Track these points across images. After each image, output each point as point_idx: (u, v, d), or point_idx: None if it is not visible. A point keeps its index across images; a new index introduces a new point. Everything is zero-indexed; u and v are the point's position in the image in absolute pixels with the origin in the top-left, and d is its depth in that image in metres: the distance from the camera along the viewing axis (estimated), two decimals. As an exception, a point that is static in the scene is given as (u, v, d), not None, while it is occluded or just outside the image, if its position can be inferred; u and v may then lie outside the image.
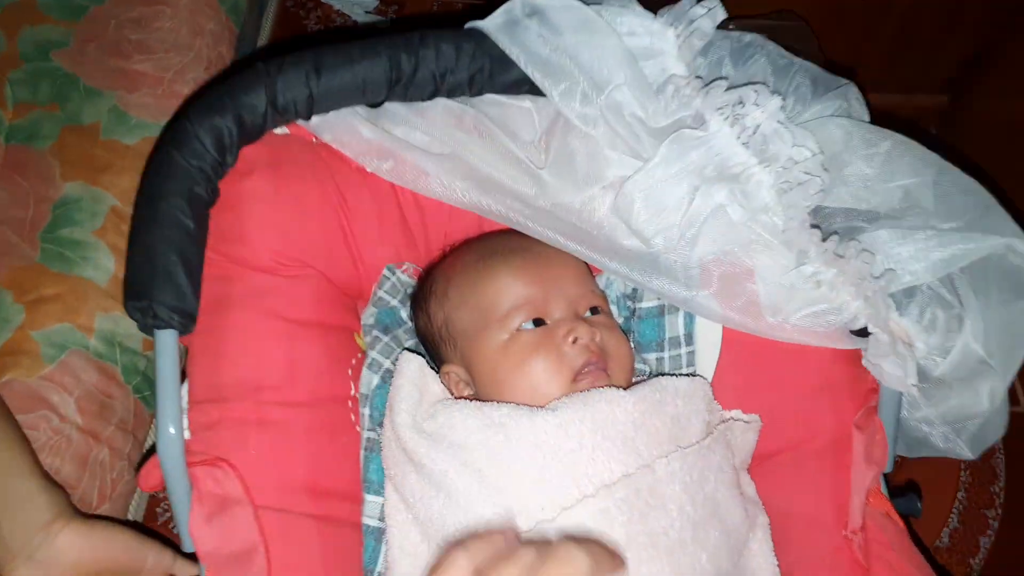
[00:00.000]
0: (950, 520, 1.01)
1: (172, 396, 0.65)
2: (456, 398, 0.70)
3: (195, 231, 0.67)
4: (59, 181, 0.96)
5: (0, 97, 1.01)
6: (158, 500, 1.06)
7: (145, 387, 0.94)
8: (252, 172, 0.71)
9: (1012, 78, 1.32)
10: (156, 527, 1.05)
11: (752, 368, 0.74)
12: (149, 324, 0.65)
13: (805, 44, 1.21)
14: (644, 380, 0.70)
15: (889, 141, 0.67)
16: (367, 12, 1.61)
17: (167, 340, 0.65)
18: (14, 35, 1.05)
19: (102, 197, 0.96)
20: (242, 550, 0.62)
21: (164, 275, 0.65)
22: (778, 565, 0.68)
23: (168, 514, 1.05)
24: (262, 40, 1.45)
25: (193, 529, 0.63)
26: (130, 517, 0.96)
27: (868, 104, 0.71)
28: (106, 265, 0.94)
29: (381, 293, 0.78)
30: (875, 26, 1.33)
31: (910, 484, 1.01)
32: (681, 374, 0.74)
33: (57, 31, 1.06)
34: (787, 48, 1.16)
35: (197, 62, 1.09)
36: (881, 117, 0.70)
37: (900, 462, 1.00)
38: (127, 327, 0.92)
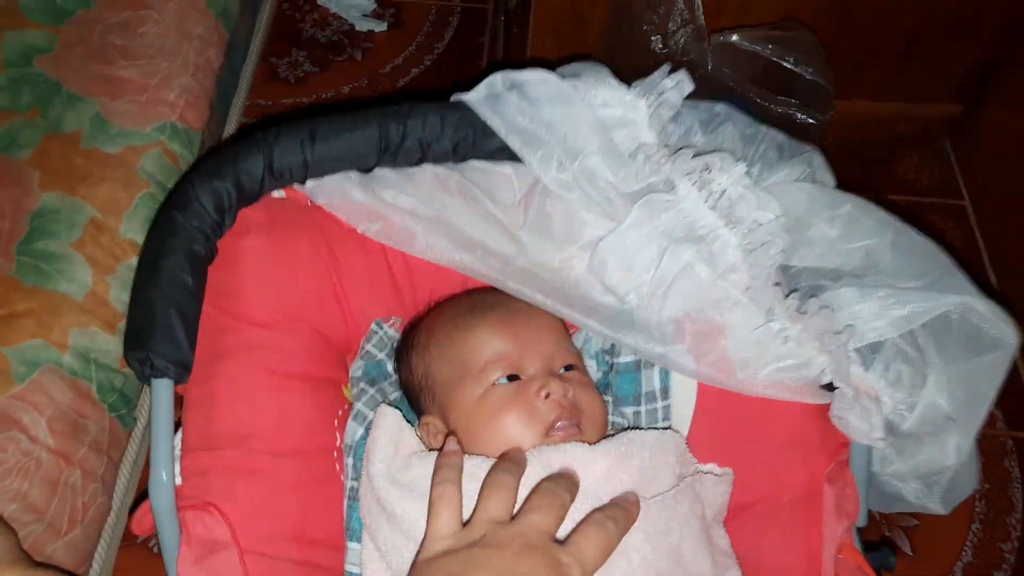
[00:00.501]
0: (963, 554, 0.99)
1: (166, 443, 0.68)
2: (432, 449, 0.72)
3: (193, 287, 0.71)
4: (37, 191, 0.94)
5: None
6: None
7: (122, 405, 0.92)
8: (249, 232, 0.76)
9: (1024, 88, 1.29)
10: (134, 546, 1.05)
11: (726, 422, 0.76)
12: (147, 374, 0.69)
13: (811, 53, 1.19)
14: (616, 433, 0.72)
15: (850, 204, 0.70)
16: (364, 15, 1.64)
17: (163, 389, 0.69)
18: None
19: (81, 208, 0.94)
20: (227, 594, 0.65)
21: (162, 328, 0.68)
22: (751, 618, 0.68)
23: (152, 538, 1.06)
24: (256, 44, 1.47)
25: (181, 571, 0.65)
26: (104, 540, 0.94)
27: (832, 169, 0.74)
28: (83, 279, 0.91)
29: (369, 347, 0.81)
30: (884, 34, 1.30)
31: (884, 539, 1.01)
32: (656, 427, 0.76)
33: (41, 36, 1.04)
34: (792, 62, 1.17)
35: (184, 68, 1.07)
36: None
37: None
38: (103, 344, 0.91)
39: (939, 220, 1.36)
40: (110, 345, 0.91)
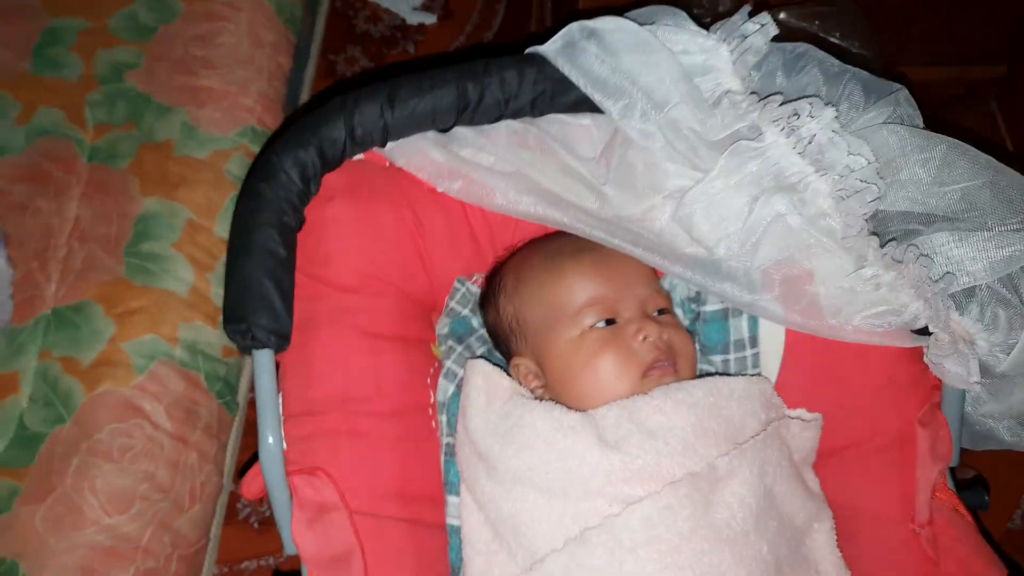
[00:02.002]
0: (1015, 515, 1.01)
1: (272, 410, 0.70)
2: (526, 389, 0.74)
3: (286, 257, 0.72)
4: (139, 197, 1.01)
5: (80, 120, 1.06)
6: (237, 497, 1.13)
7: (227, 392, 0.99)
8: (333, 198, 0.76)
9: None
10: (237, 522, 1.11)
11: (816, 368, 0.76)
12: (248, 345, 0.70)
13: (857, 28, 1.19)
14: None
15: (944, 145, 0.69)
16: (414, 9, 1.65)
17: (265, 359, 0.71)
18: (91, 59, 1.10)
19: (179, 211, 1.00)
20: (341, 553, 0.68)
21: (260, 300, 0.70)
22: (842, 557, 0.70)
23: (247, 510, 1.11)
24: (315, 44, 1.49)
25: (296, 535, 0.68)
26: (217, 515, 1.01)
27: (921, 107, 0.73)
28: (185, 277, 0.97)
29: (453, 304, 0.82)
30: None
31: (977, 478, 1.02)
32: (745, 375, 0.77)
33: (130, 52, 1.10)
34: (838, 37, 1.16)
35: (259, 74, 1.13)
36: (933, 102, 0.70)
37: (967, 454, 1.02)
38: (208, 336, 0.97)
39: None
40: (213, 337, 0.98)
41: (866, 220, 0.68)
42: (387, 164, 0.79)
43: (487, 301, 0.81)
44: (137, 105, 1.06)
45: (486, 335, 0.83)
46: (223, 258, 1.00)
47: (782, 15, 1.18)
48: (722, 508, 0.64)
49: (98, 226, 0.98)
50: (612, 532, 0.63)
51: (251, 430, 1.13)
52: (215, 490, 0.97)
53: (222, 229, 1.02)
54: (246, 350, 0.71)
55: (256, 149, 1.08)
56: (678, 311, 0.83)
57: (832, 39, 1.16)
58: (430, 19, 1.64)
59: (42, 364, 0.90)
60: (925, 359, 0.71)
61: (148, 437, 0.89)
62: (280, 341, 0.71)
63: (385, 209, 0.78)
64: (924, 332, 0.70)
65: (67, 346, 0.91)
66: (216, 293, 1.00)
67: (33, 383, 0.89)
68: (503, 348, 0.80)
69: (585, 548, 0.63)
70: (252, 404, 1.16)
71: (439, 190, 0.79)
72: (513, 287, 0.78)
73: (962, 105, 1.45)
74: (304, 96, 1.39)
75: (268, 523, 1.12)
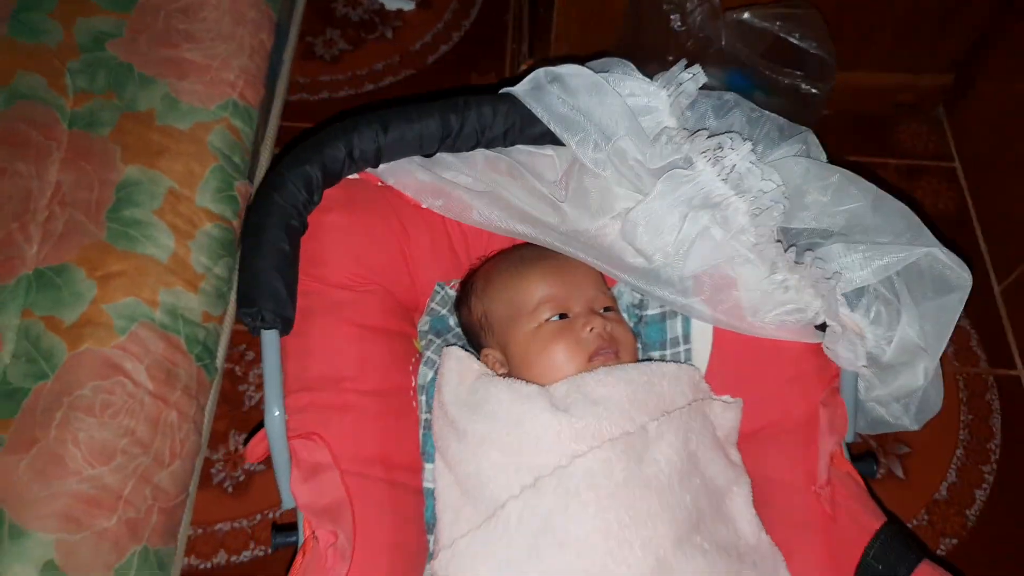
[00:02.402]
0: (948, 474, 1.13)
1: (275, 384, 0.82)
2: (494, 373, 0.86)
3: (291, 254, 0.85)
4: (120, 165, 1.03)
5: (61, 86, 1.07)
6: (211, 462, 1.18)
7: (206, 356, 1.03)
8: (332, 209, 0.89)
9: (1017, 58, 1.36)
10: (211, 486, 1.16)
11: (739, 361, 0.90)
12: (258, 326, 0.82)
13: (816, 29, 1.27)
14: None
15: (838, 174, 0.84)
16: None
17: (272, 339, 0.82)
18: (70, 26, 1.11)
19: (160, 180, 1.03)
20: (332, 504, 0.79)
21: (269, 288, 0.82)
22: (758, 517, 0.82)
23: (222, 475, 1.16)
24: (294, 25, 1.54)
25: (293, 488, 0.79)
26: (195, 474, 1.05)
27: (823, 148, 0.88)
28: (166, 243, 1.01)
29: (433, 305, 0.95)
30: (883, 10, 1.37)
31: (868, 452, 1.16)
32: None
33: (110, 22, 1.12)
34: (797, 38, 1.27)
35: (240, 50, 1.16)
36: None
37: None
38: (187, 301, 1.01)
39: (933, 182, 1.48)
40: (193, 303, 1.02)
41: (775, 232, 0.83)
42: (379, 183, 0.93)
43: (461, 302, 0.94)
44: (118, 74, 1.08)
45: (461, 333, 0.96)
46: (204, 227, 1.05)
47: (745, 15, 1.26)
48: (651, 464, 0.77)
49: (79, 191, 1.00)
50: (560, 480, 0.75)
51: (225, 400, 1.23)
52: (194, 448, 1.00)
53: (202, 199, 1.06)
54: (256, 331, 0.83)
55: (237, 123, 1.12)
56: (624, 315, 0.97)
57: (792, 39, 1.22)
58: (408, 5, 1.70)
59: (24, 323, 0.93)
60: (824, 348, 0.85)
61: (129, 394, 0.92)
62: (285, 324, 0.83)
63: (376, 220, 0.91)
64: (823, 328, 0.85)
65: (49, 306, 0.94)
66: (196, 260, 1.04)
67: (16, 340, 0.92)
68: (474, 342, 0.93)
69: (538, 494, 0.75)
70: (227, 375, 1.25)
71: (424, 206, 0.93)
72: (483, 289, 0.91)
73: (913, 111, 1.55)
74: (283, 75, 1.44)
75: (241, 488, 1.16)
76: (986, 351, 1.28)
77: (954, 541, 1.11)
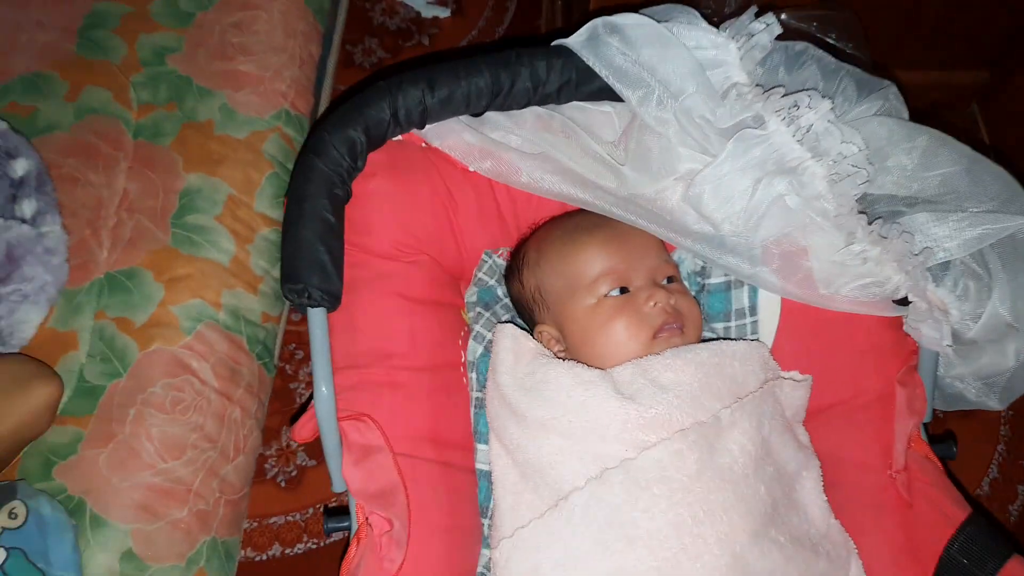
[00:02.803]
0: (990, 471, 1.11)
1: (325, 363, 0.78)
2: (549, 352, 0.82)
3: (336, 225, 0.80)
4: (182, 173, 1.08)
5: (126, 99, 1.12)
6: (265, 458, 1.21)
7: (265, 355, 1.07)
8: (376, 174, 0.84)
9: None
10: (264, 481, 1.20)
11: (808, 335, 0.85)
12: (304, 303, 0.78)
13: (852, 32, 1.26)
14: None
15: (926, 136, 0.77)
16: (428, 3, 1.72)
17: (319, 317, 0.78)
18: (133, 42, 1.16)
19: (220, 187, 1.08)
20: (385, 488, 0.76)
21: (315, 263, 0.77)
22: (828, 502, 0.79)
23: (275, 470, 1.19)
24: (337, 34, 1.55)
25: (345, 472, 0.76)
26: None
27: (907, 103, 0.81)
28: (228, 247, 1.05)
29: (480, 274, 0.90)
30: (918, 8, 1.37)
31: (947, 433, 1.12)
32: (746, 340, 0.85)
33: (170, 38, 1.17)
34: (834, 39, 1.24)
35: (292, 61, 1.20)
36: (919, 104, 0.78)
37: (944, 419, 1.11)
38: (248, 302, 1.06)
39: None
40: (254, 304, 1.06)
41: (856, 201, 0.77)
42: (423, 144, 0.87)
43: (511, 275, 0.89)
44: (178, 87, 1.13)
45: (510, 303, 0.92)
46: (262, 231, 1.09)
47: (783, 16, 1.25)
48: (725, 454, 0.73)
49: (145, 199, 1.05)
50: (629, 472, 0.71)
51: (276, 397, 1.23)
52: (256, 444, 1.05)
53: (260, 205, 1.10)
54: (302, 308, 0.79)
55: (290, 131, 1.15)
56: (684, 283, 0.92)
57: (829, 40, 1.23)
58: (444, 13, 1.71)
59: (98, 324, 0.98)
60: (904, 326, 0.79)
61: (197, 392, 0.97)
62: (332, 301, 0.79)
63: (422, 185, 0.86)
64: (903, 302, 0.79)
65: (121, 308, 0.99)
66: (255, 263, 1.08)
67: (91, 341, 0.97)
68: (527, 317, 0.89)
69: (604, 486, 0.71)
70: (278, 373, 1.26)
71: (470, 169, 0.87)
72: (535, 261, 0.86)
73: (947, 108, 1.53)
74: (327, 83, 1.46)
75: (293, 482, 1.20)
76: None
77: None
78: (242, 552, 1.14)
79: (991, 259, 0.75)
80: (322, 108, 1.42)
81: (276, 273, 1.10)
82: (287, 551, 1.14)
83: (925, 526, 0.74)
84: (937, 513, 0.74)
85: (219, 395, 0.99)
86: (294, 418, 0.85)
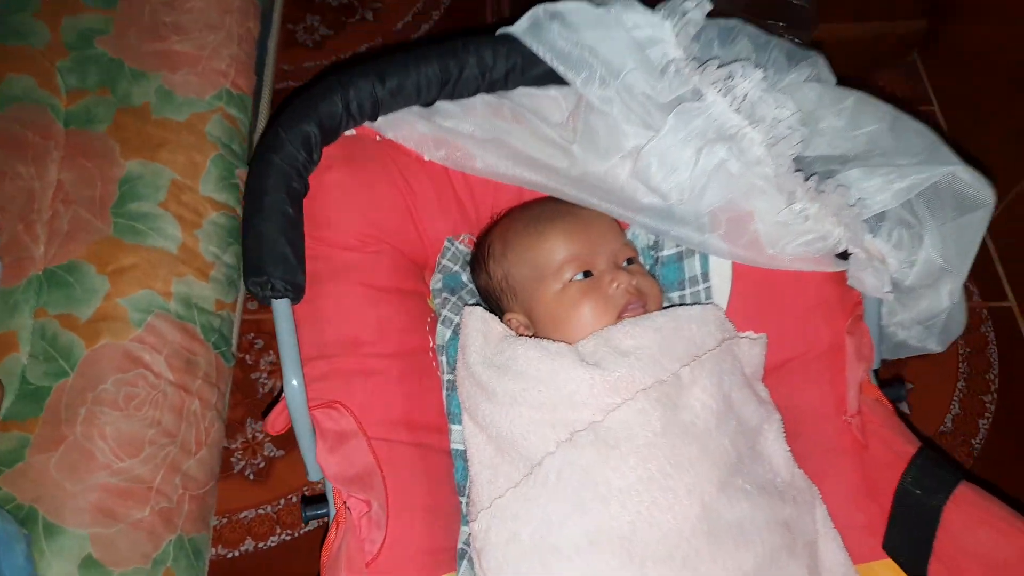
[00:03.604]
0: (952, 407, 1.16)
1: (293, 354, 0.79)
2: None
3: (296, 218, 0.81)
4: (120, 160, 1.04)
5: (52, 86, 1.07)
6: (231, 451, 1.19)
7: (222, 343, 1.04)
8: (332, 167, 0.85)
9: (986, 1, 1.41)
10: (232, 475, 1.17)
11: (759, 296, 0.89)
12: (267, 295, 0.79)
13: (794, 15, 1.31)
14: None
15: (852, 97, 0.82)
16: None
17: (284, 308, 0.79)
18: (57, 26, 1.11)
19: (162, 172, 1.03)
20: (362, 472, 0.77)
21: (277, 256, 0.79)
22: (790, 452, 0.82)
23: (242, 463, 1.16)
24: (276, 11, 1.51)
25: (320, 459, 0.77)
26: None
27: (832, 71, 0.86)
28: (174, 234, 1.02)
29: (444, 261, 0.92)
30: None
31: (896, 377, 1.17)
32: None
33: (97, 19, 1.12)
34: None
35: (229, 39, 1.16)
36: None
37: (903, 363, 1.16)
38: (200, 290, 1.02)
39: None
40: (206, 291, 1.03)
41: (793, 162, 0.81)
42: (377, 137, 0.89)
43: (478, 266, 0.91)
44: (109, 71, 1.08)
45: (475, 289, 0.94)
46: (210, 216, 1.06)
47: None
48: (687, 410, 0.76)
49: (82, 189, 1.01)
50: (597, 434, 0.73)
51: (238, 388, 1.22)
52: (218, 435, 1.02)
53: (206, 188, 1.06)
54: (266, 300, 0.80)
55: (233, 111, 1.12)
56: (640, 259, 0.95)
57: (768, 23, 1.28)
58: None
59: (38, 322, 0.94)
60: (848, 279, 0.84)
61: (151, 386, 0.93)
62: (296, 291, 0.80)
63: (379, 176, 0.88)
64: (844, 256, 0.83)
65: (63, 304, 0.95)
66: (205, 249, 1.04)
67: (32, 340, 0.94)
68: (494, 306, 0.91)
69: (576, 449, 0.73)
70: (238, 365, 1.24)
71: (426, 158, 0.89)
72: (501, 252, 0.88)
73: (891, 57, 1.59)
74: (269, 63, 1.43)
75: (262, 474, 1.17)
76: (979, 285, 1.29)
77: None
78: (213, 550, 1.11)
79: (920, 208, 0.80)
80: (266, 89, 1.40)
81: (228, 259, 1.07)
82: (260, 545, 1.12)
83: (880, 464, 0.78)
84: (890, 451, 0.78)
85: (175, 388, 0.96)
86: (265, 411, 0.85)
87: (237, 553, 1.11)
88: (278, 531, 1.13)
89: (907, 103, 1.47)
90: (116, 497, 0.88)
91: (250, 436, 1.20)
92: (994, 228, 1.22)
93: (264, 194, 0.80)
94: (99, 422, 0.89)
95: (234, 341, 1.11)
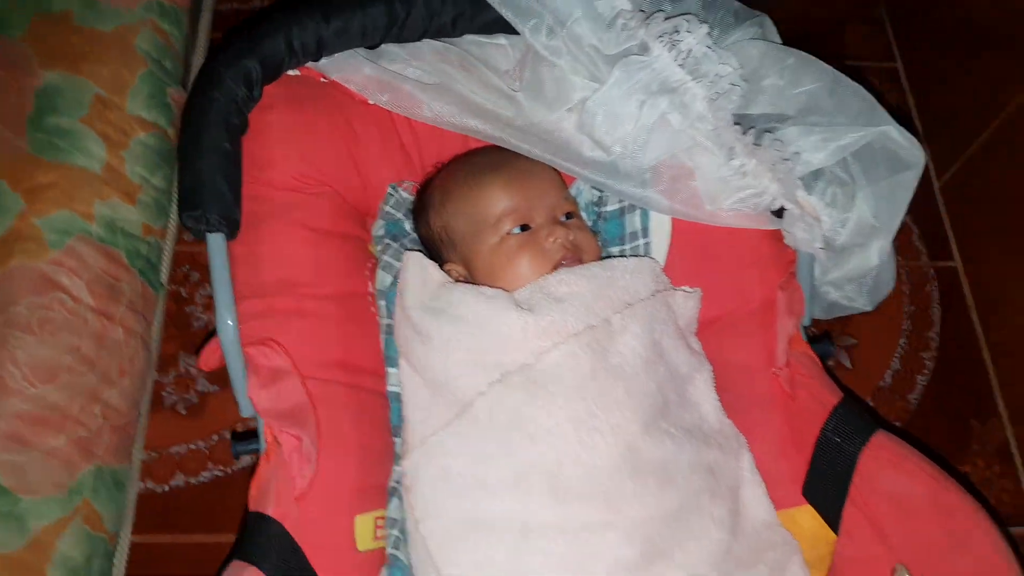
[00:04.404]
0: (892, 363, 1.19)
1: (226, 291, 0.78)
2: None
3: (233, 153, 0.81)
4: (38, 70, 0.95)
5: None
6: (163, 385, 1.15)
7: (149, 271, 0.99)
8: (274, 106, 0.85)
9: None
10: (163, 409, 1.14)
11: (697, 252, 0.90)
12: (202, 229, 0.78)
13: None
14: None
15: (794, 57, 0.83)
16: None
17: (218, 243, 0.79)
18: None
19: (85, 86, 0.95)
20: (294, 408, 0.77)
21: (212, 190, 0.78)
22: (719, 400, 0.84)
23: (173, 398, 1.14)
24: None
25: (251, 394, 0.77)
26: (146, 392, 1.03)
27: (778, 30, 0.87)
28: (98, 153, 0.94)
29: (387, 208, 0.92)
30: None
31: (825, 333, 1.20)
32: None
33: None
34: None
35: None
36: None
37: (848, 320, 1.19)
38: (126, 213, 0.96)
39: (875, 82, 1.51)
40: (132, 215, 0.97)
41: (734, 118, 0.82)
42: (322, 79, 0.88)
43: (418, 215, 0.91)
44: None
45: (418, 238, 0.94)
46: (138, 136, 0.99)
47: None
48: (616, 355, 0.77)
49: None
50: (528, 375, 0.74)
51: (172, 322, 1.20)
52: (144, 365, 0.98)
53: (134, 106, 1.00)
54: (201, 235, 0.79)
55: (165, 26, 1.06)
56: (583, 214, 0.96)
57: None
58: None
59: None
60: (784, 236, 0.85)
61: (69, 311, 0.89)
62: (232, 227, 0.79)
63: (321, 117, 0.87)
64: (780, 214, 0.85)
65: None
66: (132, 170, 0.98)
67: None
68: (434, 256, 0.90)
69: (506, 389, 0.74)
70: (172, 297, 1.21)
71: (370, 102, 0.89)
72: (441, 202, 0.88)
73: (855, 10, 1.57)
74: None
75: (195, 409, 1.14)
76: (927, 245, 1.32)
77: (897, 424, 1.17)
78: (142, 484, 1.09)
79: (854, 167, 0.82)
80: (206, 12, 1.34)
81: (157, 182, 1.02)
82: (191, 480, 1.09)
83: (805, 414, 0.80)
84: (814, 402, 0.80)
85: (96, 314, 0.91)
86: (200, 346, 0.85)
87: (167, 488, 1.09)
88: (210, 467, 1.11)
89: (871, 60, 1.50)
90: (28, 424, 0.84)
91: (183, 370, 1.16)
92: (946, 190, 1.24)
93: (201, 129, 0.79)
94: (10, 346, 0.85)
95: (164, 270, 1.07)
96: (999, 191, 1.19)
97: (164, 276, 1.07)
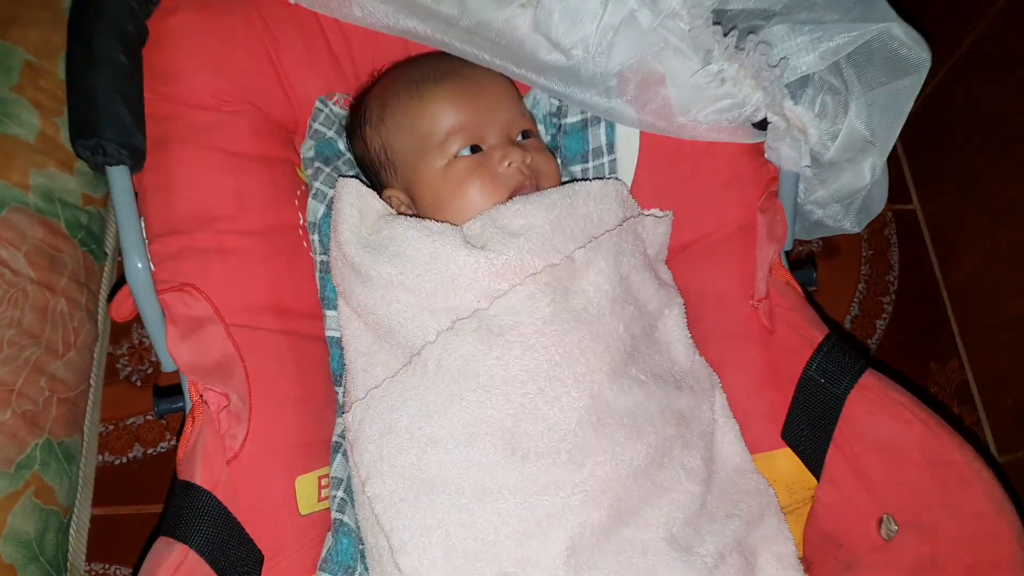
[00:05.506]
0: (852, 309, 1.15)
1: (133, 231, 0.68)
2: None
3: (131, 68, 0.69)
4: None
5: None
6: (116, 357, 1.11)
7: (91, 241, 0.96)
8: (178, 8, 0.72)
9: None
10: (118, 381, 1.10)
11: (667, 170, 0.81)
12: (100, 161, 0.68)
13: None
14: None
15: (782, -59, 0.71)
16: None
17: (120, 177, 0.68)
18: None
19: (13, 52, 0.90)
20: (220, 361, 0.69)
21: (108, 112, 0.67)
22: (691, 338, 0.77)
23: (128, 369, 1.09)
24: None
25: (170, 347, 0.68)
26: (96, 364, 1.00)
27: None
28: (31, 121, 0.90)
29: (317, 126, 0.81)
30: None
31: (808, 257, 1.14)
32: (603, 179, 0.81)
33: None
34: None
35: None
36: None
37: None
38: (64, 183, 0.92)
39: None
40: (70, 184, 0.92)
41: (712, 15, 0.71)
42: (232, -27, 0.75)
43: (353, 132, 0.80)
44: None
45: (353, 160, 0.83)
46: None
47: None
48: (579, 295, 0.69)
49: None
50: (481, 322, 0.66)
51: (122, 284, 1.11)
52: (90, 337, 0.95)
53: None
54: (99, 167, 0.68)
55: None
56: (541, 127, 0.86)
57: None
58: None
59: None
60: (766, 151, 0.76)
61: (9, 283, 0.84)
62: (135, 157, 0.69)
63: (234, 18, 0.75)
64: (762, 126, 0.75)
65: None
66: (67, 139, 0.92)
67: None
68: (372, 180, 0.80)
69: (457, 337, 0.66)
70: (121, 267, 1.13)
71: (291, 2, 0.76)
72: (379, 117, 0.77)
73: None
74: None
75: (150, 380, 1.10)
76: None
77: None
78: (100, 457, 1.05)
79: (848, 72, 0.72)
80: None
81: None
82: (149, 451, 1.06)
83: (785, 350, 0.74)
84: (797, 337, 0.73)
85: (38, 286, 0.87)
86: (110, 295, 0.76)
87: (125, 460, 1.06)
88: (168, 437, 1.07)
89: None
90: (-29, 399, 0.80)
91: (136, 341, 1.12)
92: (904, 132, 1.16)
93: (91, 40, 0.67)
94: (-52, 321, 0.80)
95: (110, 239, 1.01)
96: (956, 132, 1.12)
97: (109, 246, 1.01)
